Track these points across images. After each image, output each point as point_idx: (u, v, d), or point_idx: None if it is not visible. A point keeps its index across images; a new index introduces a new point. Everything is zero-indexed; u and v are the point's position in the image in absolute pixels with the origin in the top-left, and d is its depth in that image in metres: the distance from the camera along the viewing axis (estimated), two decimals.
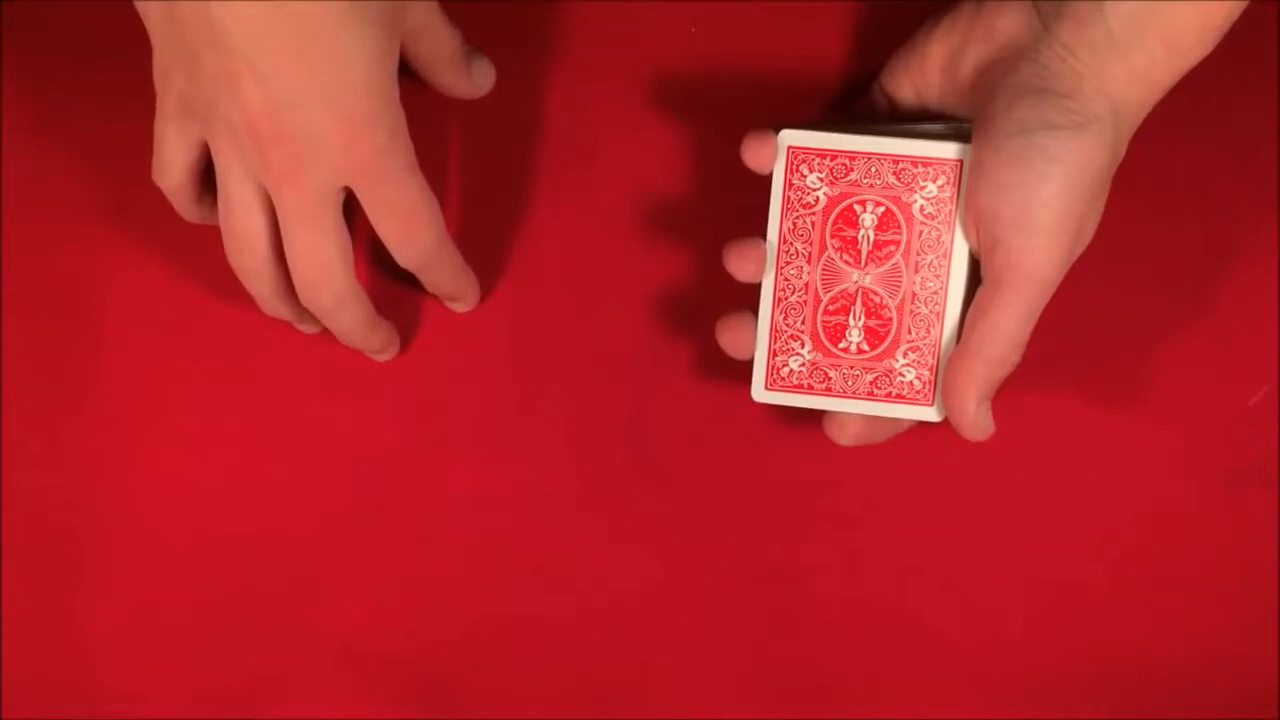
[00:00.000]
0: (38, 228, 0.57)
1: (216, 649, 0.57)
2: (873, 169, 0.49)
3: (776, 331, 0.51)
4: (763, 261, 0.50)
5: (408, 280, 0.55)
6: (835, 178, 0.50)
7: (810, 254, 0.50)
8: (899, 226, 0.50)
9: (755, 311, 0.51)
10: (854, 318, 0.50)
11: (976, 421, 0.49)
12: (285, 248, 0.50)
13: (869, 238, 0.50)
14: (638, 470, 0.57)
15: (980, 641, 0.56)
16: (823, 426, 0.52)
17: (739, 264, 0.50)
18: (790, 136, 0.50)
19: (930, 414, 0.50)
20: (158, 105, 0.50)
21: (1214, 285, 0.56)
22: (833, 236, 0.50)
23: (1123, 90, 0.45)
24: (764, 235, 0.50)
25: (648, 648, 0.57)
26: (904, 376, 0.50)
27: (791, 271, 0.50)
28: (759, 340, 0.51)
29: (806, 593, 0.57)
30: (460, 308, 0.56)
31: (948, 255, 0.49)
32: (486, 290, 0.57)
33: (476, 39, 0.56)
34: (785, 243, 0.50)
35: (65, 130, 0.57)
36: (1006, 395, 0.49)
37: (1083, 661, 0.56)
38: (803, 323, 0.51)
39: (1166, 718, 0.56)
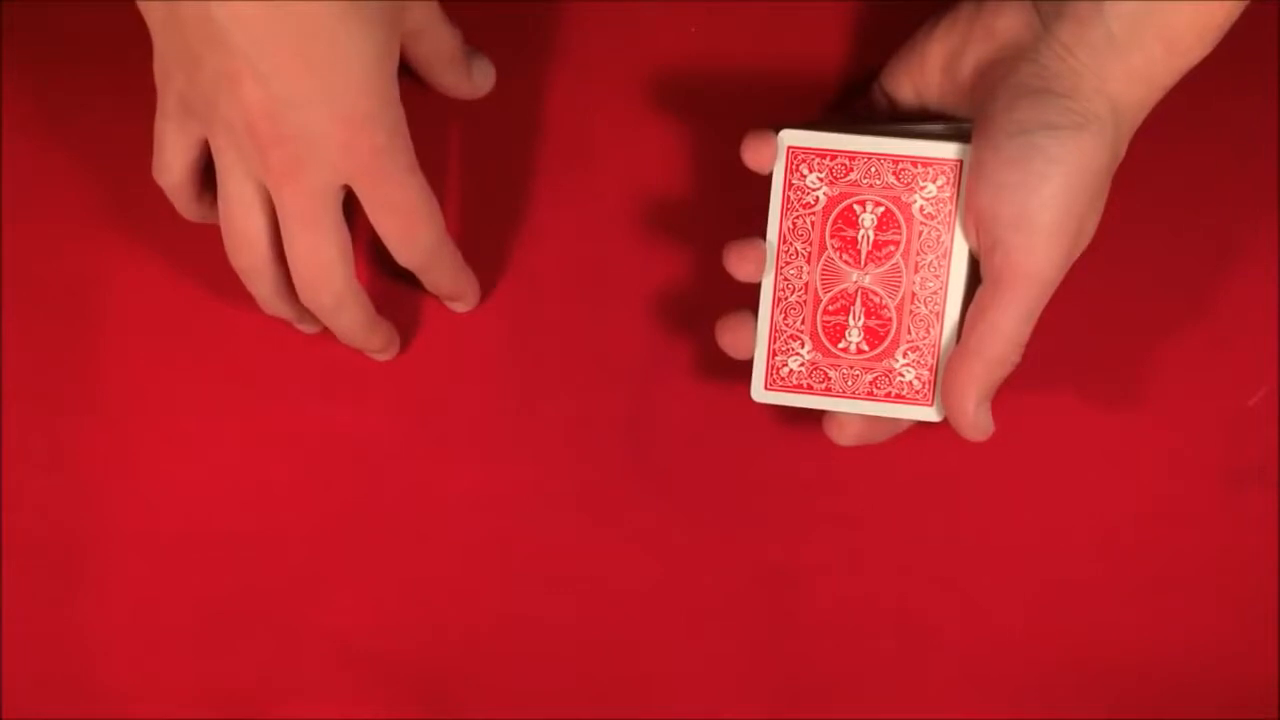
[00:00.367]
0: (38, 228, 0.57)
1: (216, 649, 0.57)
2: (872, 169, 0.49)
3: (776, 331, 0.51)
4: (762, 261, 0.50)
5: (408, 280, 0.55)
6: (835, 178, 0.50)
7: (810, 254, 0.50)
8: (899, 226, 0.49)
9: (755, 311, 0.51)
10: (854, 318, 0.50)
11: (976, 421, 0.49)
12: (285, 247, 0.50)
13: (869, 238, 0.50)
14: (638, 470, 0.57)
15: (980, 641, 0.56)
16: (823, 426, 0.52)
17: (739, 264, 0.50)
18: (790, 136, 0.50)
19: (930, 414, 0.50)
20: (158, 104, 0.50)
21: (1214, 285, 0.56)
22: (832, 236, 0.50)
23: (1122, 90, 0.45)
24: (764, 235, 0.50)
25: (648, 648, 0.57)
26: (904, 376, 0.50)
27: (791, 271, 0.50)
28: (759, 340, 0.51)
29: (806, 593, 0.57)
30: (460, 308, 0.56)
31: (947, 255, 0.49)
32: (486, 290, 0.57)
33: (476, 39, 0.56)
34: (785, 243, 0.50)
35: (65, 130, 0.57)
36: (1006, 395, 0.49)
37: (1083, 661, 0.56)
38: (802, 323, 0.51)
39: (1166, 717, 0.56)
